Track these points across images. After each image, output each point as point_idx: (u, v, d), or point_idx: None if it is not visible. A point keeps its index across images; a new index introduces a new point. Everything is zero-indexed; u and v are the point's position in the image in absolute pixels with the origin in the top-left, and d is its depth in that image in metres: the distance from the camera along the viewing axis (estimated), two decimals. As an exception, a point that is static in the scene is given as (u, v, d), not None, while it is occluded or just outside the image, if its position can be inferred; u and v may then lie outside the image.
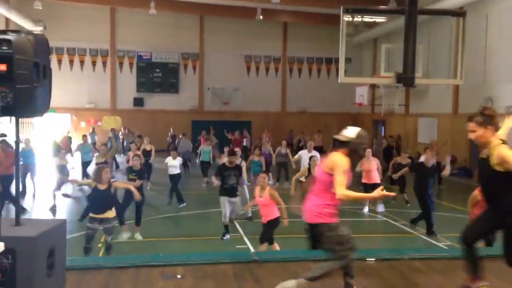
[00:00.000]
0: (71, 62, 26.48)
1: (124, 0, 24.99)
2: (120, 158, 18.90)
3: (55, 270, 3.53)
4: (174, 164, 12.21)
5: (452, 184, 15.92)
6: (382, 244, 9.31)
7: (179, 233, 10.02)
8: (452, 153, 15.79)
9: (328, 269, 4.17)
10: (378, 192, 4.03)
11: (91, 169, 12.04)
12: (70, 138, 19.89)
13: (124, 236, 8.90)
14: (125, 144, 21.45)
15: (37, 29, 22.62)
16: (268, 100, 27.97)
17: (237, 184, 9.19)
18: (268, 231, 7.37)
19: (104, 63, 26.88)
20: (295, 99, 28.37)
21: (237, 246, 8.62)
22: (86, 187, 9.62)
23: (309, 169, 8.95)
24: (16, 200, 4.08)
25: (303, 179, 9.27)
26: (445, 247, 8.73)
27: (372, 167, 11.79)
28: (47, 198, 11.88)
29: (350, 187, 4.08)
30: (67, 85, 24.84)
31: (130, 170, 9.44)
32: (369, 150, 12.47)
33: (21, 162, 12.29)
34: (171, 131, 23.60)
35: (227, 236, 9.10)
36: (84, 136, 15.85)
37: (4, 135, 15.03)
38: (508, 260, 4.05)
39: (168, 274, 4.95)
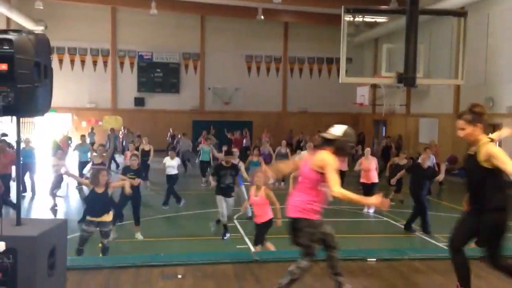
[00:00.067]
0: (72, 61, 26.50)
1: (125, 0, 25.02)
2: (120, 158, 18.92)
3: (56, 269, 3.54)
4: (172, 164, 12.17)
5: (452, 184, 15.90)
6: (382, 244, 9.30)
7: (179, 233, 10.02)
8: (452, 153, 15.77)
9: (301, 271, 4.15)
10: (377, 199, 3.94)
11: (87, 169, 12.01)
12: (69, 138, 19.93)
13: (138, 236, 9.07)
14: (124, 143, 21.48)
15: (38, 29, 22.64)
16: (269, 100, 27.97)
17: (234, 183, 9.25)
18: (262, 232, 7.38)
19: (105, 63, 26.89)
20: (296, 99, 28.37)
21: (237, 246, 8.62)
22: (85, 188, 9.63)
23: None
24: (17, 199, 4.08)
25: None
26: (445, 247, 8.69)
27: (371, 166, 11.82)
28: (47, 198, 11.87)
29: (349, 186, 4.07)
30: (68, 84, 24.85)
31: (127, 169, 9.44)
32: (368, 149, 12.49)
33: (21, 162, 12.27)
34: (171, 131, 23.62)
35: (227, 235, 9.13)
36: (83, 136, 15.85)
37: (5, 135, 15.08)
38: (490, 260, 4.01)
39: (168, 274, 4.96)
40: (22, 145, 12.71)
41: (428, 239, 9.49)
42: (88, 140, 17.91)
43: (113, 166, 17.69)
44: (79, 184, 12.74)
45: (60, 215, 11.08)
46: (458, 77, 15.69)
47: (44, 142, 20.36)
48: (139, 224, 9.23)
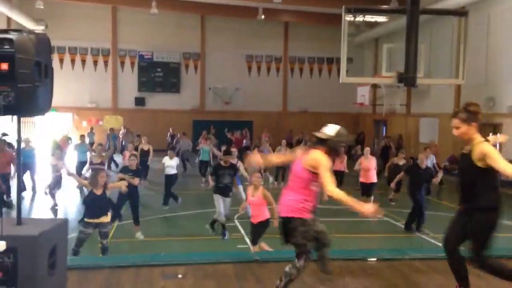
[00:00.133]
0: (73, 61, 26.50)
1: (126, -1, 25.06)
2: (119, 158, 18.91)
3: (56, 269, 3.54)
4: (171, 164, 12.13)
5: (452, 184, 15.86)
6: (382, 244, 9.31)
7: (179, 233, 10.02)
8: (453, 153, 15.76)
9: (297, 271, 4.15)
10: (368, 208, 3.83)
11: (85, 169, 11.97)
12: (69, 138, 19.91)
13: (139, 236, 9.07)
14: (123, 143, 21.48)
15: (39, 28, 22.65)
16: (270, 100, 27.96)
17: (232, 183, 9.28)
18: (259, 232, 7.37)
19: (106, 63, 26.89)
20: (296, 99, 28.36)
21: (238, 246, 8.62)
22: (85, 188, 9.61)
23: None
24: (18, 199, 4.08)
25: None
26: (445, 247, 8.71)
27: (371, 166, 11.82)
28: (47, 198, 11.86)
29: (348, 186, 4.06)
30: (69, 84, 24.86)
31: (126, 170, 9.43)
32: (368, 148, 12.48)
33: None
34: (171, 130, 23.63)
35: (227, 234, 9.15)
36: (82, 136, 15.84)
37: (6, 134, 15.07)
38: (477, 260, 3.97)
39: (168, 273, 4.96)
40: (22, 144, 12.70)
41: (428, 239, 9.49)
42: (87, 140, 17.89)
43: (113, 166, 17.69)
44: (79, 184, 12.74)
45: (60, 215, 11.08)
46: (459, 76, 15.70)
47: (44, 141, 20.35)
48: (138, 223, 9.23)
